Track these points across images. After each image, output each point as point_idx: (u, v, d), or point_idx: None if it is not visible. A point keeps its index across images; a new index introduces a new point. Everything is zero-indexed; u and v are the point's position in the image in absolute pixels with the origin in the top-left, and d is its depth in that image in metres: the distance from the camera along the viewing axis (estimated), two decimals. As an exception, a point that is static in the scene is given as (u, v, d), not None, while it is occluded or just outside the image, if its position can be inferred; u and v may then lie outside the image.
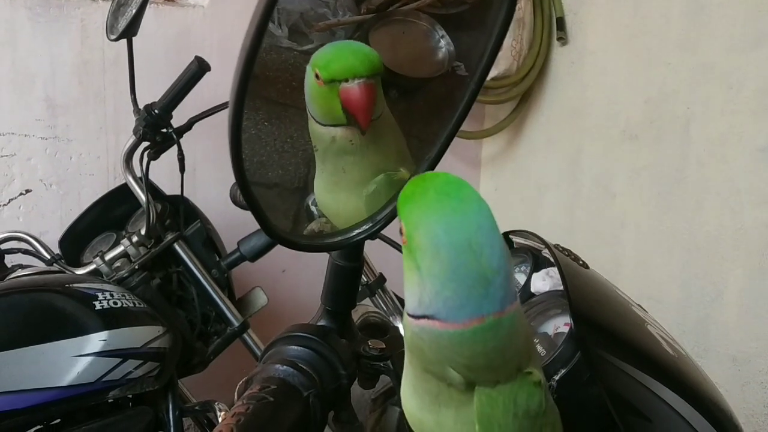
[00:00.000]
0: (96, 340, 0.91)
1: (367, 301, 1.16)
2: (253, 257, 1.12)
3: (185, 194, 1.17)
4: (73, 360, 0.90)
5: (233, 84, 0.40)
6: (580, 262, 0.72)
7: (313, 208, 0.56)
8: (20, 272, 1.11)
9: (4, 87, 1.38)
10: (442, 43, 0.59)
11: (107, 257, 1.10)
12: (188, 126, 1.15)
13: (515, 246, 0.82)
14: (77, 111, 1.44)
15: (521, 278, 0.77)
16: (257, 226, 0.47)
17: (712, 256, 1.44)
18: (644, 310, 0.72)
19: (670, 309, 1.52)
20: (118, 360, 0.93)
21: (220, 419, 0.99)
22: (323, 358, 0.56)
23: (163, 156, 1.15)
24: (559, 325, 0.70)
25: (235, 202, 1.12)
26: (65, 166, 1.45)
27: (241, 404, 0.49)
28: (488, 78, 0.54)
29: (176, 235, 1.14)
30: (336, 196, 0.53)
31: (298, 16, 0.55)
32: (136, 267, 1.09)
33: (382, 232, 0.53)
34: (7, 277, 1.09)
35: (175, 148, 1.13)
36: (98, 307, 0.94)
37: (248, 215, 0.47)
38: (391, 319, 1.10)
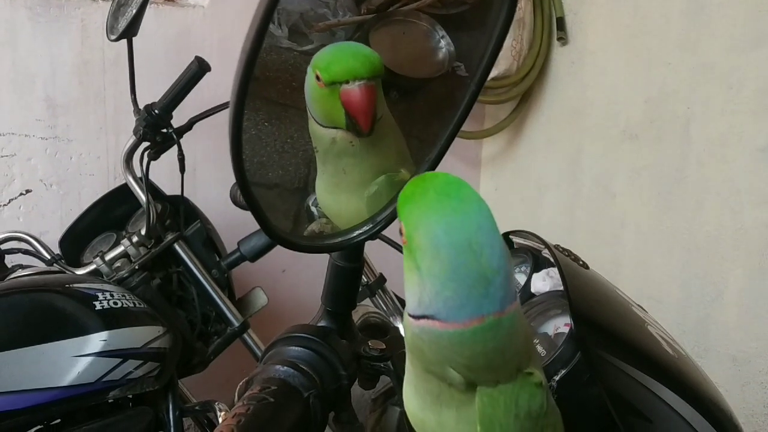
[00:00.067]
0: (96, 340, 0.91)
1: (367, 301, 1.16)
2: (253, 257, 1.12)
3: (185, 194, 1.17)
4: (74, 360, 0.90)
5: (234, 85, 0.40)
6: (580, 262, 0.72)
7: (313, 209, 0.56)
8: (20, 272, 1.11)
9: (4, 87, 1.38)
10: (443, 43, 0.59)
11: (107, 257, 1.10)
12: (188, 126, 1.15)
13: (515, 246, 0.82)
14: (77, 111, 1.44)
15: (521, 278, 0.77)
16: (257, 227, 0.47)
17: (712, 256, 1.44)
18: (644, 310, 0.72)
19: (670, 309, 1.52)
20: (119, 360, 0.93)
21: (220, 419, 1.00)
22: (324, 359, 0.56)
23: (163, 156, 1.15)
24: (560, 325, 0.70)
25: (235, 202, 1.12)
26: (65, 166, 1.45)
27: (242, 405, 0.49)
28: (488, 78, 0.54)
29: (176, 235, 1.14)
30: (337, 197, 0.53)
31: (298, 16, 0.55)
32: (137, 267, 1.09)
33: (383, 232, 0.53)
34: (8, 278, 1.09)
35: (175, 148, 1.13)
36: (98, 307, 0.94)
37: (248, 215, 0.47)
38: (391, 319, 1.10)
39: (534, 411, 0.43)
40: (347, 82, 0.46)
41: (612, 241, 1.67)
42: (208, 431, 1.20)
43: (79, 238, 1.19)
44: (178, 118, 1.14)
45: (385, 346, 0.62)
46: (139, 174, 1.14)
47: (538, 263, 0.77)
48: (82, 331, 0.91)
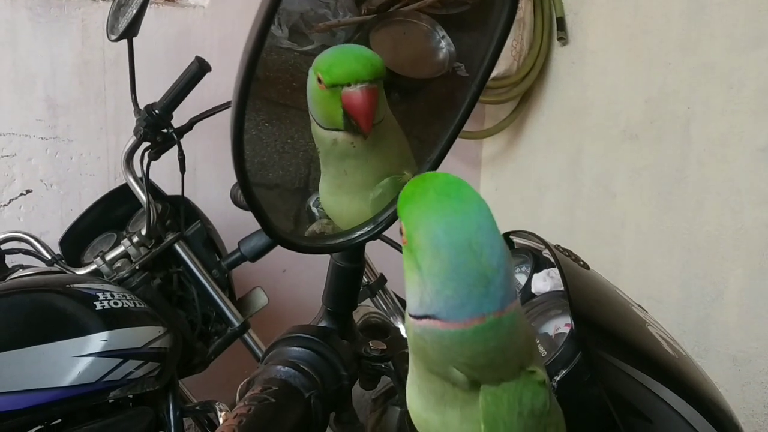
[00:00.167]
0: (97, 341, 0.92)
1: (368, 301, 1.16)
2: (254, 257, 1.12)
3: (186, 194, 1.17)
4: (74, 360, 0.90)
5: (236, 86, 0.41)
6: (581, 262, 0.72)
7: (314, 209, 0.56)
8: (21, 272, 1.11)
9: (4, 87, 1.38)
10: (443, 43, 0.59)
11: (108, 257, 1.10)
12: (189, 126, 1.15)
13: (516, 246, 0.82)
14: (78, 111, 1.45)
15: (522, 279, 0.77)
16: (258, 226, 0.47)
17: (712, 256, 1.44)
18: (644, 310, 0.72)
19: (670, 309, 1.52)
20: (119, 360, 0.93)
21: (220, 419, 1.00)
22: (325, 360, 0.56)
23: (164, 156, 1.15)
24: (560, 325, 0.70)
25: (235, 202, 1.12)
26: (66, 167, 1.45)
27: (243, 405, 0.50)
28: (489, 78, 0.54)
29: (177, 235, 1.14)
30: (338, 198, 0.53)
31: (298, 16, 0.55)
32: (137, 267, 1.09)
33: (383, 233, 0.53)
34: (8, 278, 1.09)
35: (175, 148, 1.13)
36: (99, 307, 0.94)
37: (249, 215, 0.47)
38: (392, 319, 1.10)
39: (537, 409, 0.43)
40: (349, 84, 0.46)
41: (612, 241, 1.67)
42: (209, 431, 1.20)
43: (79, 239, 1.19)
44: (179, 118, 1.14)
45: (386, 347, 0.62)
46: (139, 174, 1.14)
47: (539, 263, 0.77)
48: (83, 331, 0.92)
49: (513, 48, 1.74)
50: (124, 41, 1.11)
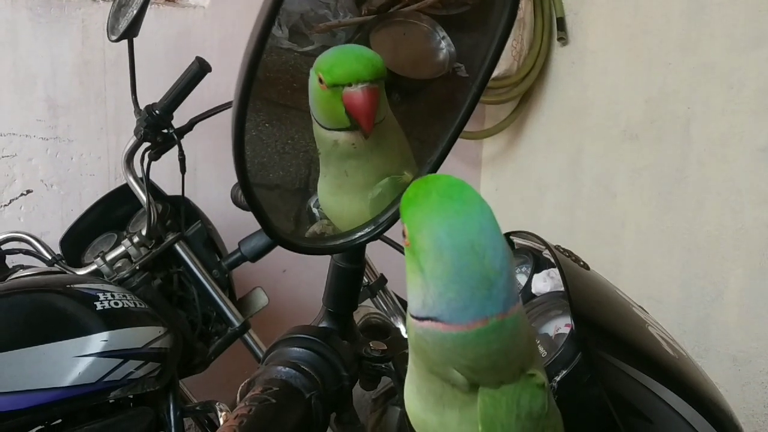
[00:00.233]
0: (97, 341, 0.92)
1: (368, 302, 1.16)
2: (254, 257, 1.12)
3: (186, 194, 1.17)
4: (75, 360, 0.90)
5: (237, 86, 0.41)
6: (581, 263, 0.72)
7: (314, 210, 0.56)
8: (21, 273, 1.11)
9: (5, 87, 1.38)
10: (443, 44, 0.59)
11: (108, 258, 1.10)
12: (189, 126, 1.15)
13: (516, 247, 0.82)
14: (78, 111, 1.45)
15: (522, 279, 0.77)
16: (258, 227, 0.47)
17: (712, 256, 1.44)
18: (645, 311, 0.72)
19: (670, 309, 1.52)
20: (119, 360, 0.93)
21: (221, 420, 1.00)
22: (325, 360, 0.56)
23: (164, 156, 1.15)
24: (560, 326, 0.70)
25: (236, 202, 1.12)
26: (66, 167, 1.45)
27: (244, 406, 0.50)
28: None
29: (177, 235, 1.14)
30: (339, 198, 0.53)
31: (298, 17, 0.55)
32: (137, 267, 1.09)
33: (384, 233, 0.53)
34: (8, 278, 1.09)
35: (176, 148, 1.13)
36: (99, 307, 0.94)
37: (249, 216, 0.47)
38: (392, 320, 1.10)
39: (535, 412, 0.43)
40: (350, 84, 0.46)
41: (612, 241, 1.67)
42: (209, 431, 1.20)
43: (79, 239, 1.19)
44: (179, 118, 1.14)
45: (386, 347, 0.62)
46: (139, 174, 1.14)
47: (539, 264, 0.77)
48: (83, 331, 0.92)
49: (513, 48, 1.74)
50: (125, 41, 1.11)
